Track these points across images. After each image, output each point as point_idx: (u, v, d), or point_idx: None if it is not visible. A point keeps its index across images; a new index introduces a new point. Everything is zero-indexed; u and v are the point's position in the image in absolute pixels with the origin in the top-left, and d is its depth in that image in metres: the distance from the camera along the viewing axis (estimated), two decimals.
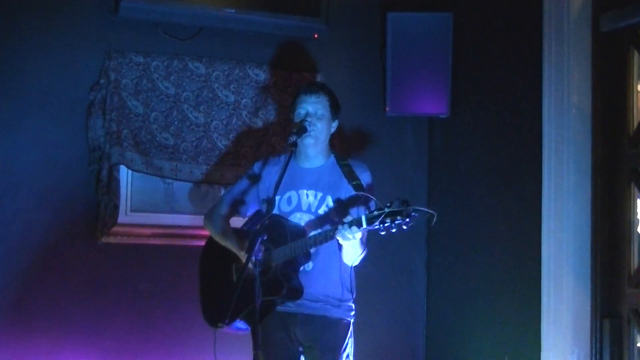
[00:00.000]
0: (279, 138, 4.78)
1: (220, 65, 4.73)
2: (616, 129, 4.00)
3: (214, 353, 3.49)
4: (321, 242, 3.48)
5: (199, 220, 4.75)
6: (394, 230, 3.29)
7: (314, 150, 3.68)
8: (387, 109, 4.91)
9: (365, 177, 3.64)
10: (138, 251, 4.62)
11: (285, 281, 3.52)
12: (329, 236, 3.42)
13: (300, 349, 3.64)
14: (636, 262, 3.91)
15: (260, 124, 4.78)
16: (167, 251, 4.66)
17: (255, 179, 3.76)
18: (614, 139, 4.00)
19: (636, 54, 3.96)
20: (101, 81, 4.53)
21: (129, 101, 4.56)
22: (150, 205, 4.72)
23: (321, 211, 3.63)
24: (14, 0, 4.45)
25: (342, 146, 4.90)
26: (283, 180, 3.48)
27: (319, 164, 3.71)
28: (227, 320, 3.47)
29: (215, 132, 4.70)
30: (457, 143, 4.97)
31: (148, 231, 4.66)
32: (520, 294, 4.35)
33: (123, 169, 4.56)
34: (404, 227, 3.28)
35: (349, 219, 3.38)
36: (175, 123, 4.64)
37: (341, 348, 3.62)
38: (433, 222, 3.32)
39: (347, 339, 3.65)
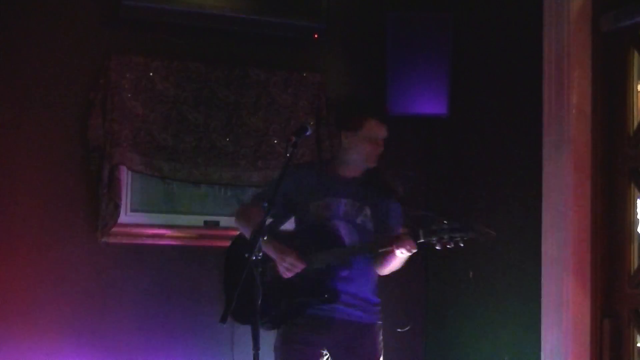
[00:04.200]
0: (279, 138, 4.77)
1: (220, 66, 4.73)
2: (616, 129, 4.00)
3: (231, 350, 3.49)
4: (375, 252, 3.54)
5: (199, 220, 4.78)
6: (450, 246, 3.36)
7: (357, 164, 3.72)
8: (387, 108, 4.90)
9: (399, 188, 3.73)
10: (138, 251, 4.62)
11: (321, 286, 3.56)
12: (384, 246, 3.48)
13: (324, 352, 3.65)
14: (636, 262, 3.91)
15: (260, 124, 4.78)
16: (167, 251, 4.66)
17: (286, 186, 3.75)
18: (614, 139, 4.00)
19: (636, 54, 3.96)
20: (101, 81, 4.53)
21: (129, 101, 4.56)
22: (150, 205, 4.73)
23: (359, 220, 3.67)
24: (14, 1, 4.45)
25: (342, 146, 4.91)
26: (322, 187, 3.61)
27: (358, 174, 3.74)
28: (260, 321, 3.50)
29: (215, 132, 4.70)
30: (457, 143, 4.97)
31: (148, 231, 4.66)
32: (520, 294, 4.35)
33: (123, 168, 4.56)
34: (461, 245, 3.36)
35: (403, 230, 3.49)
36: (175, 124, 4.64)
37: (379, 351, 3.67)
38: (487, 239, 3.39)
39: (380, 343, 3.70)
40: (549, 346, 4.07)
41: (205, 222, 4.80)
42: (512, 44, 4.54)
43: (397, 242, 3.43)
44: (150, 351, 4.58)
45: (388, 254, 3.52)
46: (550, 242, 4.10)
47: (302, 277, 3.55)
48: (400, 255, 3.47)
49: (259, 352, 3.19)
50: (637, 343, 3.91)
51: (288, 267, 3.54)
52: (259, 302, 3.23)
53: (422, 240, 3.40)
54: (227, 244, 4.57)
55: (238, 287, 3.26)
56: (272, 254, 3.59)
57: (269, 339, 3.61)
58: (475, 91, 4.84)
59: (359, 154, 3.68)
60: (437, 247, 3.38)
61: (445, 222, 3.37)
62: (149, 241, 4.65)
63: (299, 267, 3.53)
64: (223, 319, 3.34)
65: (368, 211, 3.67)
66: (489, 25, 4.77)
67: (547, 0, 4.19)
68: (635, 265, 3.90)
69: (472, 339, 4.69)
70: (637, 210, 3.97)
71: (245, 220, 3.73)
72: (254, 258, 3.26)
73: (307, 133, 3.60)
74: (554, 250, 4.08)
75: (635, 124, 3.94)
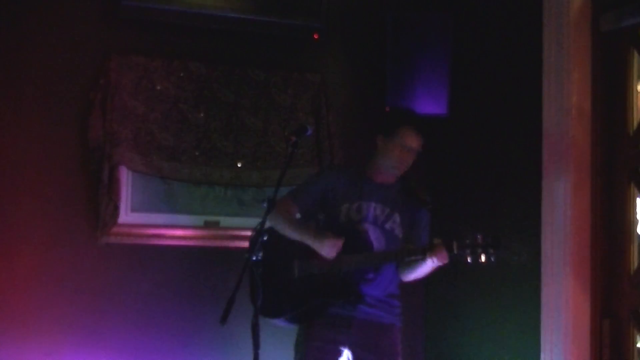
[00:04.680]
0: (278, 138, 4.78)
1: (220, 66, 4.73)
2: (616, 129, 4.00)
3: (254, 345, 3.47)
4: (407, 259, 3.61)
5: (199, 220, 4.78)
6: (482, 260, 3.45)
7: (390, 171, 3.77)
8: (387, 108, 4.90)
9: (429, 199, 3.80)
10: (138, 251, 4.62)
11: (347, 286, 3.61)
12: (417, 254, 3.55)
13: (344, 349, 3.67)
14: (636, 262, 3.91)
15: (259, 124, 4.78)
16: (167, 251, 4.66)
17: (324, 184, 3.78)
18: (614, 139, 4.00)
19: (636, 54, 3.96)
20: (101, 81, 4.53)
21: (129, 101, 4.56)
22: (150, 205, 4.73)
23: (387, 226, 3.73)
24: (14, 0, 4.45)
25: (342, 146, 4.92)
26: (355, 190, 3.70)
27: (391, 181, 3.80)
28: (284, 316, 3.64)
29: (215, 132, 4.70)
30: (457, 143, 4.97)
31: (148, 231, 4.66)
32: (520, 294, 4.35)
33: (123, 169, 4.56)
34: (492, 260, 3.44)
35: (437, 241, 3.53)
36: (175, 124, 4.64)
37: (398, 352, 3.73)
38: (516, 259, 3.45)
39: (400, 345, 3.76)
40: (549, 346, 4.07)
41: (205, 222, 4.80)
42: (512, 44, 4.54)
43: (431, 251, 3.51)
44: (151, 351, 4.58)
45: (418, 262, 3.59)
46: (550, 242, 4.10)
47: (330, 277, 3.61)
48: (431, 264, 3.55)
49: (258, 352, 3.19)
50: (637, 343, 3.91)
51: (331, 246, 3.57)
52: (259, 302, 3.24)
53: (455, 252, 3.48)
54: (228, 244, 4.60)
55: (237, 287, 3.27)
56: (308, 239, 3.63)
57: (271, 338, 3.61)
58: (475, 91, 4.84)
59: (390, 159, 3.75)
60: (468, 260, 3.46)
61: (479, 236, 3.46)
62: (149, 241, 4.65)
63: (339, 243, 3.57)
64: (223, 320, 3.35)
65: (397, 218, 3.74)
66: (489, 25, 4.77)
67: (547, 0, 4.19)
68: (635, 265, 3.90)
69: (472, 339, 4.69)
70: (637, 210, 3.97)
71: (282, 217, 3.72)
72: (254, 258, 3.27)
73: (307, 133, 3.60)
74: (554, 250, 4.08)
75: (635, 124, 3.94)
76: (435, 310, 5.05)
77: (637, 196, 3.95)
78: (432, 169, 5.11)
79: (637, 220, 3.97)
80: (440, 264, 3.53)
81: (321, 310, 3.65)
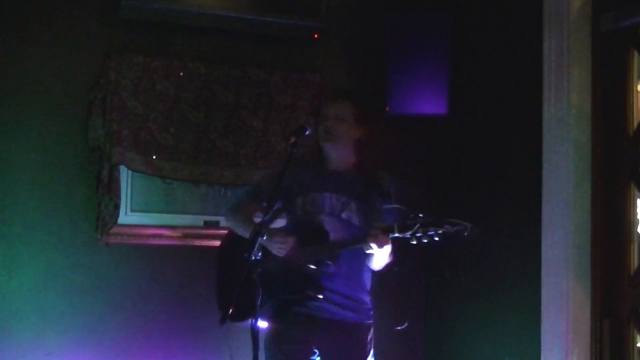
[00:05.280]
0: (278, 139, 4.77)
1: (220, 66, 4.73)
2: (616, 129, 3.99)
3: (229, 349, 3.48)
4: (351, 246, 3.50)
5: (199, 220, 4.78)
6: (425, 240, 3.32)
7: (336, 153, 3.70)
8: (387, 108, 4.90)
9: (392, 185, 3.68)
10: (138, 251, 4.62)
11: (306, 282, 3.53)
12: (361, 241, 3.44)
13: (316, 351, 3.64)
14: (636, 262, 3.91)
15: (259, 124, 4.78)
16: (167, 251, 4.66)
17: (279, 178, 3.75)
18: (614, 139, 4.00)
19: (636, 54, 3.96)
20: (101, 81, 4.53)
21: (129, 101, 4.56)
22: (150, 205, 4.73)
23: (344, 215, 3.64)
24: (14, 1, 4.45)
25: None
26: (308, 182, 3.58)
27: (344, 168, 3.73)
28: (248, 318, 3.49)
29: (215, 132, 4.70)
30: (457, 143, 4.97)
31: (148, 231, 4.66)
32: (520, 294, 4.35)
33: (123, 169, 4.56)
34: (436, 239, 3.31)
35: (377, 225, 3.41)
36: (175, 123, 4.64)
37: (366, 352, 3.63)
38: (466, 234, 3.33)
39: (370, 343, 3.66)
40: (549, 346, 4.07)
41: (205, 222, 4.80)
42: (512, 44, 4.54)
43: (370, 237, 3.39)
44: (150, 351, 4.58)
45: (367, 249, 3.45)
46: (550, 242, 4.10)
47: (287, 275, 3.53)
48: (374, 251, 3.43)
49: (258, 352, 3.19)
50: (637, 343, 3.91)
51: (280, 245, 3.52)
52: (259, 302, 3.24)
53: (396, 235, 3.36)
54: None
55: (238, 287, 3.26)
56: (262, 241, 3.59)
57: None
58: (475, 91, 4.84)
59: (320, 136, 3.69)
60: (412, 242, 3.34)
61: (420, 216, 3.33)
62: (149, 241, 4.65)
63: (290, 241, 3.52)
64: (223, 320, 3.34)
65: (354, 205, 3.64)
66: (489, 25, 4.77)
67: (547, 0, 4.19)
68: (635, 265, 3.90)
69: (472, 339, 4.69)
70: (637, 210, 3.97)
71: (243, 217, 3.72)
72: (254, 258, 3.26)
73: (307, 133, 3.60)
74: (554, 250, 4.08)
75: (635, 124, 3.94)
76: (435, 310, 5.04)
77: (637, 196, 3.95)
78: (432, 168, 5.12)
79: (637, 220, 3.97)
80: (381, 249, 3.39)
81: (283, 309, 3.57)
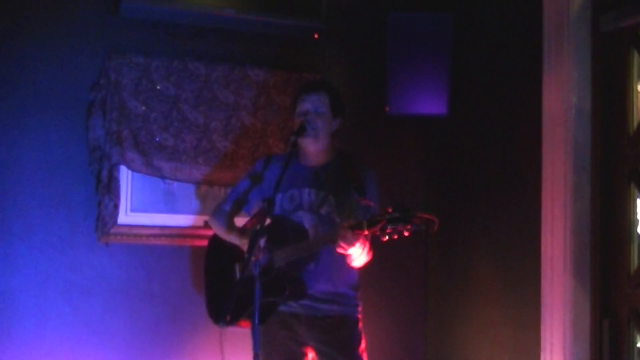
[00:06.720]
0: (276, 139, 4.77)
1: (220, 66, 4.73)
2: (616, 129, 3.99)
3: (220, 349, 3.48)
4: (325, 245, 3.46)
5: (198, 220, 4.77)
6: (395, 236, 3.26)
7: (315, 148, 3.68)
8: (387, 108, 4.90)
9: (368, 178, 3.62)
10: (138, 251, 4.62)
11: (288, 282, 3.51)
12: (332, 240, 3.40)
13: (304, 349, 3.63)
14: (636, 262, 3.91)
15: (258, 125, 4.78)
16: (167, 251, 4.66)
17: (258, 177, 3.75)
18: (614, 139, 4.00)
19: (636, 54, 3.96)
20: (101, 81, 4.53)
21: (129, 101, 4.56)
22: (150, 205, 4.72)
23: (323, 210, 3.62)
24: (14, 0, 4.45)
25: (341, 146, 4.91)
26: (286, 178, 3.48)
27: (322, 163, 3.71)
28: (228, 319, 3.47)
29: (215, 132, 4.70)
30: (456, 143, 4.97)
31: (148, 231, 4.66)
32: (520, 294, 4.35)
33: (123, 169, 4.56)
34: (406, 234, 3.25)
35: (346, 224, 3.37)
36: (175, 124, 4.64)
37: (355, 345, 3.62)
38: (434, 229, 3.28)
39: (359, 335, 3.65)
40: (548, 346, 4.07)
41: (205, 222, 4.79)
42: (512, 44, 4.54)
43: (339, 236, 3.34)
44: (150, 351, 4.58)
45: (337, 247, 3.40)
46: (550, 242, 4.10)
47: (268, 275, 3.49)
48: (344, 250, 3.37)
49: (258, 352, 3.19)
50: (637, 343, 3.91)
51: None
52: (258, 302, 3.23)
53: (364, 232, 3.29)
54: None
55: (237, 288, 3.26)
56: (236, 241, 3.67)
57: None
58: (475, 91, 4.84)
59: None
60: (383, 239, 3.27)
61: (389, 211, 3.24)
62: (149, 241, 4.64)
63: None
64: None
65: (332, 200, 3.62)
66: (489, 25, 4.77)
67: (547, 1, 4.19)
68: (635, 265, 3.90)
69: (472, 339, 4.69)
70: (637, 210, 3.97)
71: (224, 222, 3.80)
72: (254, 259, 3.26)
73: (307, 133, 3.61)
74: (554, 250, 4.08)
75: (635, 124, 3.94)
76: (435, 310, 5.04)
77: (637, 196, 3.95)
78: (432, 169, 5.12)
79: (637, 220, 3.97)
80: (351, 247, 3.33)
81: (269, 311, 3.55)
